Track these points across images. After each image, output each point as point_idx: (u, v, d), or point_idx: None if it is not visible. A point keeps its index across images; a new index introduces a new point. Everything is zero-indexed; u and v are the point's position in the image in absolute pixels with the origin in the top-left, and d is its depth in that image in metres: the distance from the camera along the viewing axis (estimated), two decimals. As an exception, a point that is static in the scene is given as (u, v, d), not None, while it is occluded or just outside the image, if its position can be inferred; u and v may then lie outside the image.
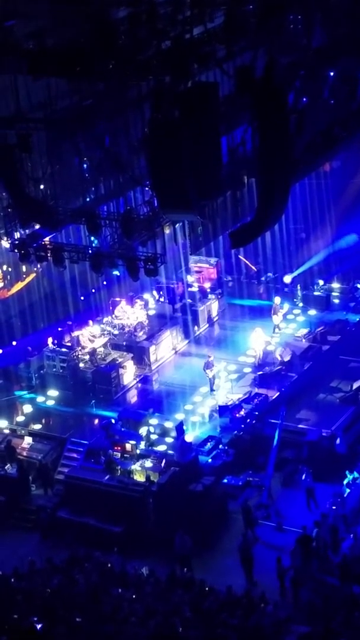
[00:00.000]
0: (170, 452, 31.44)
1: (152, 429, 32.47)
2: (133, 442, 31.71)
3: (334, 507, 29.17)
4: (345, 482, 30.13)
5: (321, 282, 42.27)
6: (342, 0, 23.85)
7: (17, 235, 31.87)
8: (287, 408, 33.31)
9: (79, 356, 37.02)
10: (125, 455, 31.48)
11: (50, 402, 36.15)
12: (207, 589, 25.37)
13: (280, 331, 39.44)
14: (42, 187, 30.08)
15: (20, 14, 22.33)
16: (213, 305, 41.22)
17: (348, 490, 29.91)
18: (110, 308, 40.17)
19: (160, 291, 41.16)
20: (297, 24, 24.20)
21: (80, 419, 34.88)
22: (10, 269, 40.66)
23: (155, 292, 41.47)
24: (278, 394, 34.90)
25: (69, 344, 37.86)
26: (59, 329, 39.24)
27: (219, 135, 22.69)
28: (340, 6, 23.84)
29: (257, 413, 33.61)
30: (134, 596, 24.78)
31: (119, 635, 22.36)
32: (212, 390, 35.46)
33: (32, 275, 40.88)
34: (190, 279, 41.94)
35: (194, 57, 21.81)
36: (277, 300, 40.01)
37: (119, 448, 31.59)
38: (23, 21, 22.63)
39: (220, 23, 22.68)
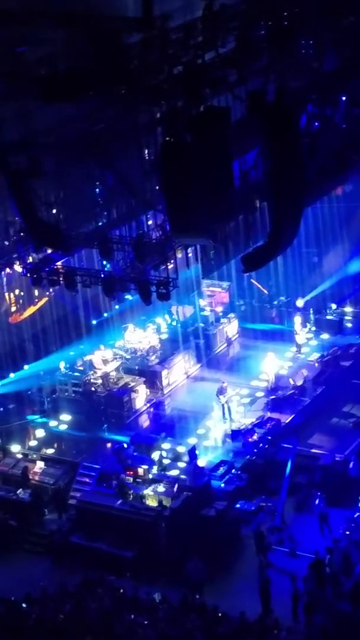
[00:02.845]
0: (182, 476, 31.34)
1: (164, 454, 32.39)
2: (145, 466, 31.63)
3: (347, 532, 28.99)
4: (359, 507, 29.95)
5: (334, 306, 42.24)
6: (352, 23, 23.87)
7: (29, 259, 31.96)
8: (298, 437, 33.21)
9: (91, 380, 37.01)
10: (137, 479, 31.39)
11: (63, 427, 36.14)
12: (220, 614, 25.21)
13: (301, 351, 39.40)
14: (54, 211, 30.16)
15: (32, 40, 22.40)
16: (230, 327, 41.28)
17: (362, 515, 29.79)
18: (123, 332, 40.20)
19: (173, 315, 41.20)
20: (309, 48, 24.27)
21: (93, 443, 34.82)
22: (22, 293, 40.74)
23: (167, 316, 41.50)
24: (291, 418, 34.79)
25: (81, 368, 37.87)
26: (72, 353, 39.28)
27: (231, 159, 22.65)
28: (351, 29, 23.89)
29: (269, 437, 33.49)
30: (146, 622, 24.65)
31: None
32: (224, 416, 35.27)
33: (45, 300, 40.95)
34: (202, 302, 41.97)
35: (205, 81, 21.84)
36: (297, 319, 40.03)
37: (131, 472, 31.51)
38: (34, 47, 22.71)
39: (231, 48, 22.74)
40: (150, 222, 30.63)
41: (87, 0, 21.45)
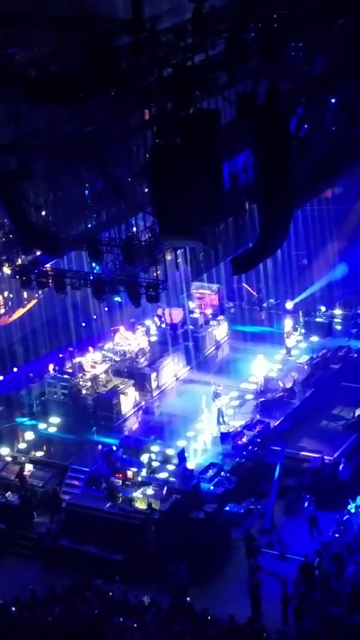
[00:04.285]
0: (172, 479, 31.28)
1: (153, 456, 32.30)
2: (134, 469, 31.57)
3: (337, 535, 28.95)
4: (348, 509, 29.93)
5: (323, 309, 42.27)
6: (341, 26, 23.90)
7: (18, 261, 31.87)
8: (287, 439, 33.17)
9: (80, 383, 36.94)
10: (126, 482, 31.32)
11: (52, 429, 36.04)
12: (209, 617, 25.14)
13: (291, 354, 39.42)
14: (43, 213, 30.10)
15: (23, 41, 22.39)
16: (219, 329, 41.25)
17: (350, 518, 29.69)
18: (112, 334, 40.13)
19: (162, 317, 41.14)
20: (299, 51, 24.28)
21: (82, 445, 34.72)
22: (11, 296, 40.64)
23: (156, 318, 41.43)
24: (280, 420, 34.76)
25: (70, 371, 37.80)
26: (60, 355, 39.20)
27: (221, 161, 22.67)
28: (340, 33, 23.91)
29: (259, 440, 33.46)
30: (135, 625, 24.57)
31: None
32: (218, 421, 35.13)
33: (34, 302, 40.87)
34: (192, 305, 41.93)
35: (195, 83, 21.85)
36: (287, 322, 40.06)
37: (121, 475, 31.44)
38: (25, 48, 22.70)
39: (221, 50, 22.74)
40: (139, 225, 30.56)
41: (78, 3, 21.46)
